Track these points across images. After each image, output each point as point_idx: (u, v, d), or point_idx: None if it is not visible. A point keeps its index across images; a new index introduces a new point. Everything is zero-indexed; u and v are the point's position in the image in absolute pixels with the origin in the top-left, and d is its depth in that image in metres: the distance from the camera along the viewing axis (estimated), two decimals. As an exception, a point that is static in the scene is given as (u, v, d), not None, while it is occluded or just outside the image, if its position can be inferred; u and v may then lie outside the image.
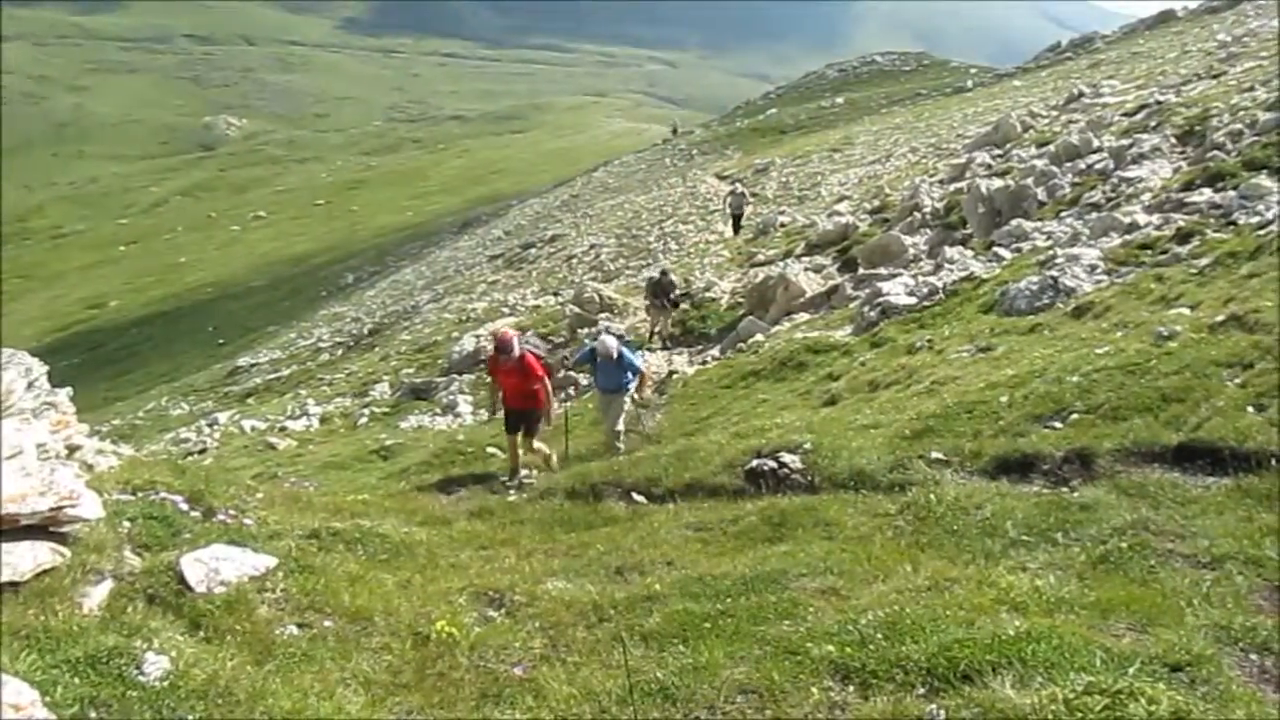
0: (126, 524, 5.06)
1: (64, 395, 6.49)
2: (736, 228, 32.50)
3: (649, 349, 20.07)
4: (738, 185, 37.55)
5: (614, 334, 12.92)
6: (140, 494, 5.81)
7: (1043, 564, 4.81)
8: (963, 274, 14.62)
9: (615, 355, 11.80)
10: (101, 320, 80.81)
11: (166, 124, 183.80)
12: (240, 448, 21.59)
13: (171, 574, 4.50)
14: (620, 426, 12.32)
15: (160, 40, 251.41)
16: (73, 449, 6.07)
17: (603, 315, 23.83)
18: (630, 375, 12.27)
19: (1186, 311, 9.12)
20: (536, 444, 11.29)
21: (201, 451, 22.34)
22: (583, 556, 6.14)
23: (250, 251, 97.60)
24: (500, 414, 11.52)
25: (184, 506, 5.74)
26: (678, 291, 20.79)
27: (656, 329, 21.04)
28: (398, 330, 37.08)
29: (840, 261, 21.01)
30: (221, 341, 61.06)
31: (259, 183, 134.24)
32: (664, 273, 21.15)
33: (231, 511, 5.99)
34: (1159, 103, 19.53)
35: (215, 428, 25.66)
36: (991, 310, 12.47)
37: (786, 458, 7.89)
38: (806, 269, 20.71)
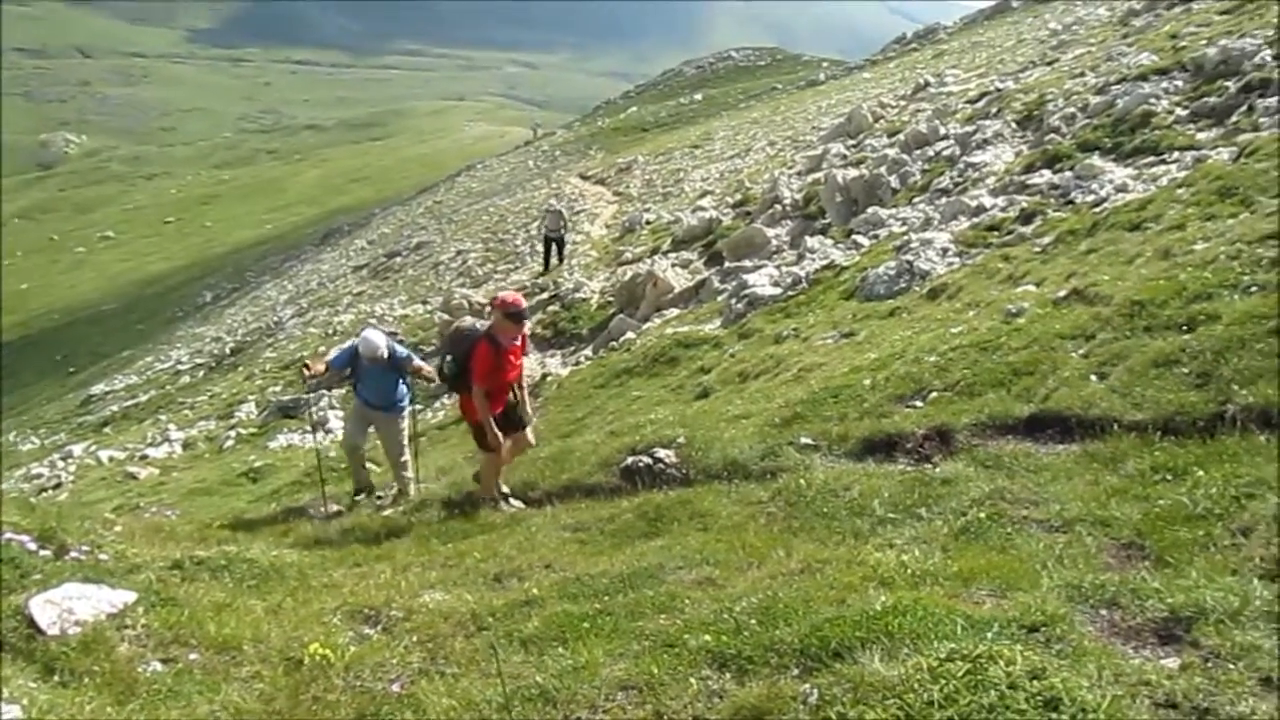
0: (-32, 569, 4.78)
1: (-108, 437, 6.09)
2: (556, 255, 27.63)
3: None
4: (553, 201, 32.99)
5: (385, 330, 10.25)
6: (-17, 536, 5.50)
7: (908, 539, 4.96)
8: (824, 262, 14.97)
9: (385, 354, 9.53)
10: (-63, 355, 75.96)
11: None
12: (98, 480, 20.60)
13: (20, 618, 4.27)
14: (406, 456, 9.90)
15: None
16: (-96, 493, 5.70)
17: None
18: (405, 389, 9.99)
19: (1032, 288, 9.55)
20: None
21: (56, 487, 21.25)
22: (460, 566, 6.07)
23: (99, 274, 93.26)
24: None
25: (32, 546, 5.44)
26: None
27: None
28: (261, 348, 35.98)
29: (706, 256, 21.27)
30: (72, 370, 58.29)
31: (104, 201, 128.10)
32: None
33: (85, 547, 5.71)
34: (999, 90, 20.38)
35: (70, 461, 24.42)
36: (853, 296, 12.81)
37: (661, 453, 7.95)
38: (674, 265, 20.89)
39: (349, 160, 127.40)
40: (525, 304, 8.39)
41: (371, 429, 10.17)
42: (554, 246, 27.96)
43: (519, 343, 8.21)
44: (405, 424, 10.04)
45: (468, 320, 8.99)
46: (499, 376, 8.03)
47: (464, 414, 8.57)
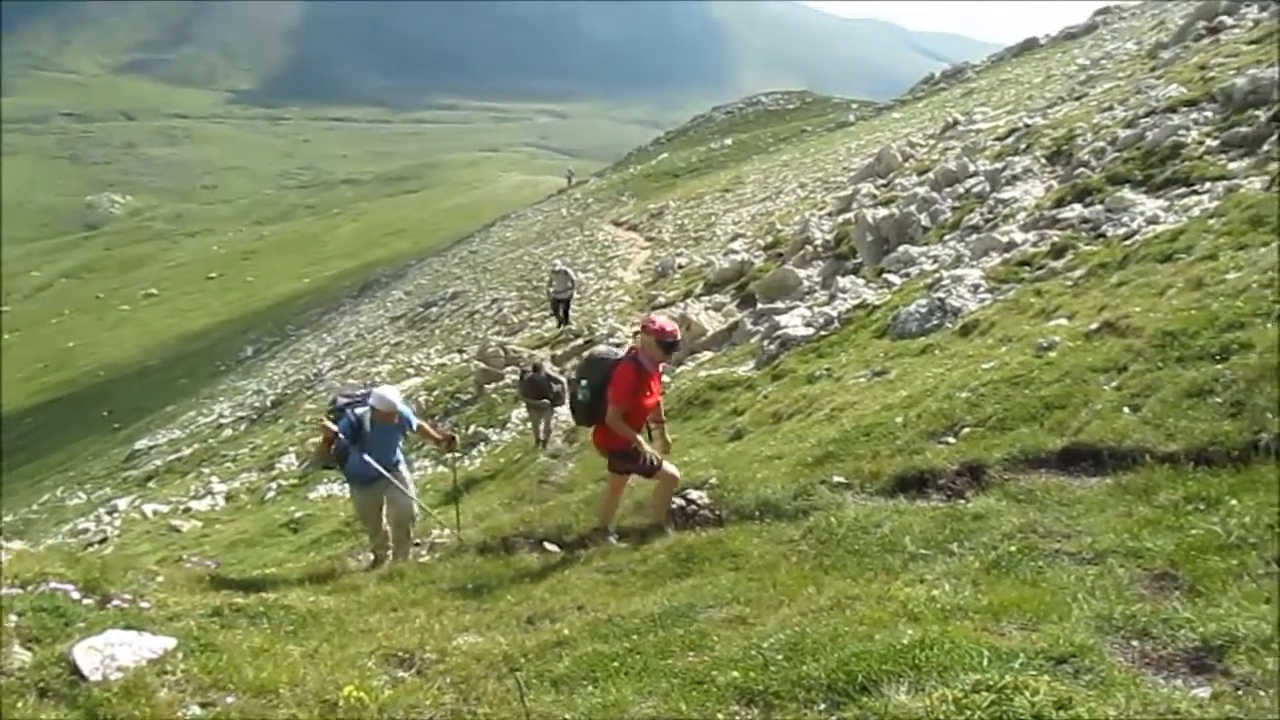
0: (14, 618, 4.90)
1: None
2: (562, 317, 27.44)
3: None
4: (559, 263, 32.41)
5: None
6: (29, 587, 5.63)
7: (939, 574, 4.95)
8: (856, 302, 15.00)
9: (398, 409, 8.93)
10: (-12, 413, 77.44)
11: (46, 205, 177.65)
12: (143, 533, 20.89)
13: (64, 665, 4.36)
14: (418, 511, 9.44)
15: (37, 120, 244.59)
16: (-48, 548, 5.86)
17: (508, 369, 23.78)
18: (401, 442, 9.37)
19: (1064, 322, 9.52)
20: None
21: (102, 541, 21.57)
22: (494, 609, 6.11)
23: (143, 330, 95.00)
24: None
25: (76, 595, 5.57)
26: (557, 388, 16.76)
27: (540, 435, 17.08)
28: (301, 400, 36.39)
29: (739, 298, 21.38)
30: (117, 426, 59.13)
31: (148, 259, 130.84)
32: (536, 368, 17.25)
33: (127, 596, 5.83)
34: (1028, 126, 20.42)
35: (115, 515, 24.81)
36: (885, 335, 12.80)
37: (693, 494, 7.97)
38: (707, 308, 21.01)
39: (386, 213, 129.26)
40: (680, 337, 7.85)
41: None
42: (562, 308, 27.59)
43: (660, 371, 7.75)
44: (410, 478, 9.56)
45: (602, 347, 8.70)
46: (638, 399, 7.48)
47: (598, 446, 7.98)
